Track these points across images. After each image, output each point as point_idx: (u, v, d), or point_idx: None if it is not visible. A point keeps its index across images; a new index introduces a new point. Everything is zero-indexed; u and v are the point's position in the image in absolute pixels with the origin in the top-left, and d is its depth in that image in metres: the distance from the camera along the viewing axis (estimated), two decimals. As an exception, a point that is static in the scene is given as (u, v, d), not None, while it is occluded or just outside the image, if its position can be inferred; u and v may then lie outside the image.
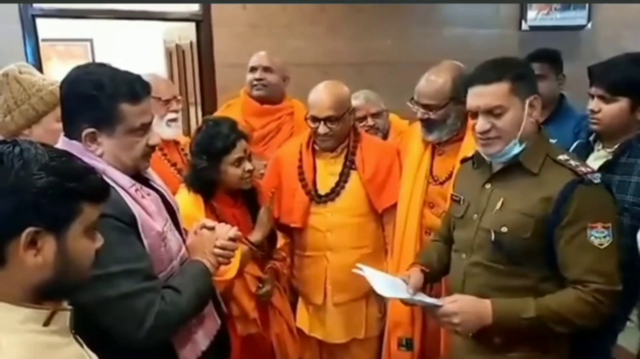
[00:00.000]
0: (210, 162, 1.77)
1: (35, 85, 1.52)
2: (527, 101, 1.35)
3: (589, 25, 3.70)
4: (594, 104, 1.71)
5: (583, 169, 1.32)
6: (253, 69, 2.48)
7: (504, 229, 1.36)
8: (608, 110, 1.66)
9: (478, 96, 1.37)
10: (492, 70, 1.37)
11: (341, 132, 2.01)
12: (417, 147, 1.96)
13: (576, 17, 3.64)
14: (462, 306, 1.36)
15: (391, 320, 1.97)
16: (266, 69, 2.45)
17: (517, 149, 1.37)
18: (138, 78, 1.24)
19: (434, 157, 1.92)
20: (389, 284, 1.60)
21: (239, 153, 1.78)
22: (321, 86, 2.03)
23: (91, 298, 1.06)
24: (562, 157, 1.36)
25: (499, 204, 1.38)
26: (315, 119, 1.98)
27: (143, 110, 1.23)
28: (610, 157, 1.68)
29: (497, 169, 1.43)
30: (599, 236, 1.28)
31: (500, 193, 1.40)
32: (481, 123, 1.37)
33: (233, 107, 2.55)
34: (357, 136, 2.09)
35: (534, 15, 3.61)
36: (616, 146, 1.68)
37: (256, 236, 1.85)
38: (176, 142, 2.32)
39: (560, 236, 1.31)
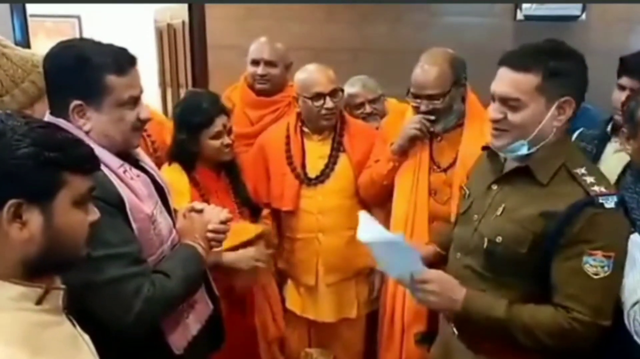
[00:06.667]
0: (190, 136, 1.82)
1: (28, 61, 1.44)
2: (557, 102, 1.19)
3: (583, 16, 3.71)
4: (625, 96, 1.64)
5: (597, 188, 1.17)
6: (255, 62, 2.33)
7: (499, 239, 1.25)
8: None
9: (500, 80, 1.23)
10: (526, 57, 1.20)
11: (338, 109, 2.04)
12: None
13: (571, 7, 3.64)
14: (441, 282, 1.30)
15: (406, 320, 1.87)
16: (268, 64, 2.32)
17: (524, 150, 1.24)
18: (123, 50, 1.22)
19: (432, 144, 1.89)
20: (397, 254, 1.36)
21: (218, 127, 1.83)
22: (312, 66, 2.04)
23: (78, 282, 1.03)
24: (579, 170, 1.21)
25: (500, 209, 1.27)
26: (319, 96, 1.97)
27: (130, 82, 1.21)
28: None
29: (507, 171, 1.31)
30: (596, 264, 1.16)
31: (504, 198, 1.29)
32: (494, 110, 1.25)
33: (236, 92, 2.47)
34: (343, 118, 2.11)
35: (529, 5, 3.60)
36: None
37: None
38: None
39: (556, 256, 1.20)
